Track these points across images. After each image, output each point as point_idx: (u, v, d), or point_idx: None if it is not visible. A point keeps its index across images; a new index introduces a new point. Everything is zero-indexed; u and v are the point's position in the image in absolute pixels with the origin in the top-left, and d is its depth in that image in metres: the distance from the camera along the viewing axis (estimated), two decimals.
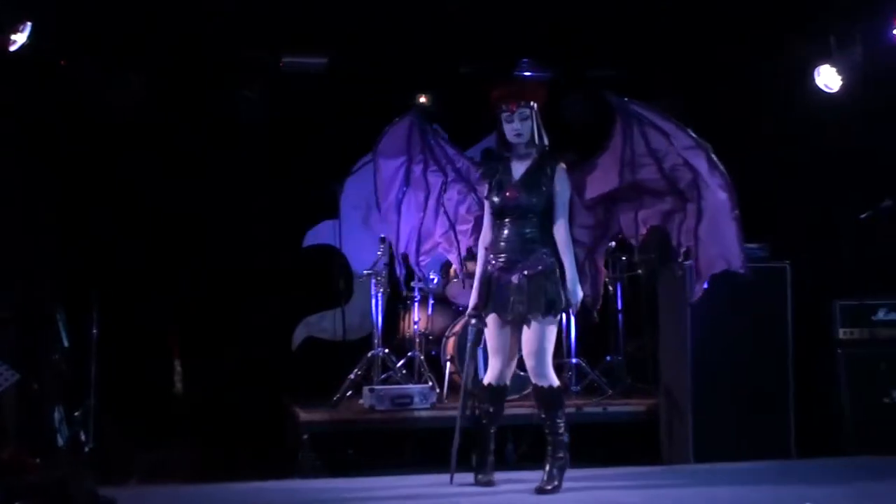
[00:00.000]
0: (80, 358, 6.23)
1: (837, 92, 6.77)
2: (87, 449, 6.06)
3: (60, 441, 5.95)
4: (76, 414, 6.10)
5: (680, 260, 5.16)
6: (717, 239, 4.93)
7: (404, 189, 5.37)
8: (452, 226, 5.35)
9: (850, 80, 6.69)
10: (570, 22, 7.06)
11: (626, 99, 5.03)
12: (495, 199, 4.97)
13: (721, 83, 7.52)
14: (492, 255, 4.98)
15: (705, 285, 5.14)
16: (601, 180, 5.10)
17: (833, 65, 6.75)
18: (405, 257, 5.56)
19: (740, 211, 4.88)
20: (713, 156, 4.90)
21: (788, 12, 6.63)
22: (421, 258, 5.50)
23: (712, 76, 7.59)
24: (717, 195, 4.88)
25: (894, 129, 6.58)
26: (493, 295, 4.95)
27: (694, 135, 4.92)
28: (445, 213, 5.34)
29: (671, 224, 5.10)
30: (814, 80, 6.83)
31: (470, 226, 5.33)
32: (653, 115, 4.98)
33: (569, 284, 4.91)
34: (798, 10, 6.62)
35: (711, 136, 7.30)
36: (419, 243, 5.44)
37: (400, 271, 5.70)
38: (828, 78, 6.78)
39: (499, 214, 4.99)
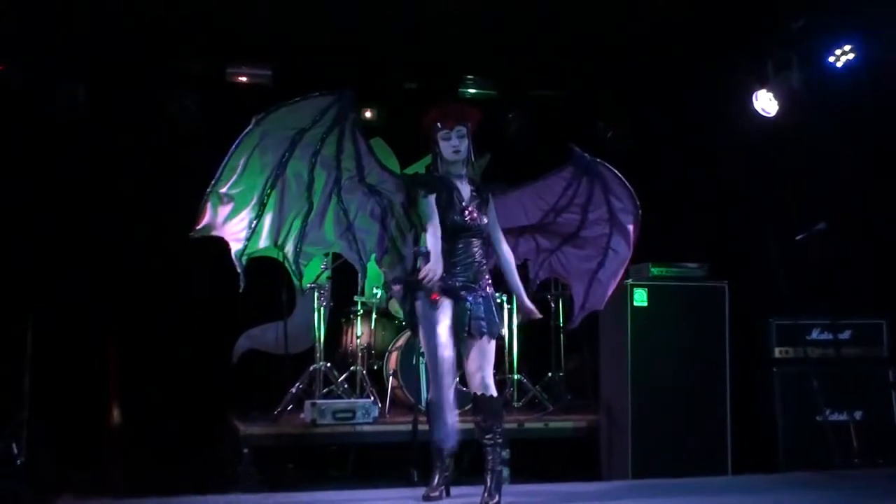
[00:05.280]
0: (13, 370, 6.10)
1: (774, 116, 6.93)
2: (18, 462, 5.94)
3: None
4: (7, 427, 5.98)
5: (533, 291, 5.44)
6: (607, 283, 5.34)
7: (278, 173, 4.72)
8: (349, 226, 4.99)
9: (787, 104, 6.84)
10: (514, 43, 7.12)
11: (598, 160, 5.14)
12: (454, 216, 4.88)
13: (661, 106, 7.64)
14: (446, 274, 4.85)
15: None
16: (519, 214, 5.23)
17: (770, 90, 6.91)
18: (264, 252, 4.91)
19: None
20: (638, 218, 5.25)
21: (727, 37, 6.75)
22: (301, 256, 4.98)
23: (652, 99, 7.71)
24: (627, 250, 5.27)
25: (829, 152, 6.73)
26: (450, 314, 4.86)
27: (636, 200, 5.18)
28: (345, 213, 4.97)
29: (535, 259, 5.43)
30: (751, 104, 6.97)
31: (374, 229, 5.04)
32: (614, 180, 5.17)
33: (521, 294, 5.11)
34: (736, 36, 6.74)
35: (653, 158, 7.46)
36: (302, 238, 4.93)
37: (240, 265, 4.74)
38: (765, 102, 6.94)
39: (453, 232, 4.88)
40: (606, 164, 5.19)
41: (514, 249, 5.25)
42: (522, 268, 5.37)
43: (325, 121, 4.73)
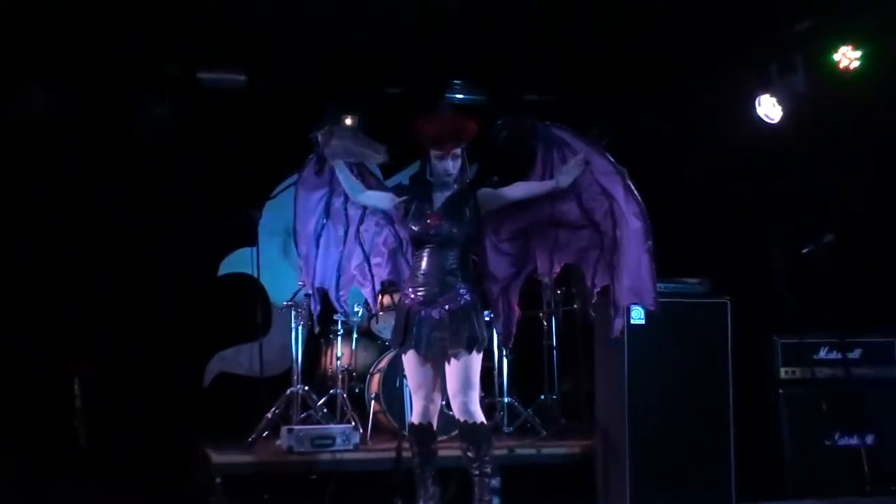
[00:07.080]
0: None
1: (778, 122, 6.78)
2: None
3: None
4: None
5: (594, 301, 5.06)
6: (630, 271, 4.79)
7: (324, 221, 5.34)
8: (367, 258, 5.32)
9: (792, 110, 6.70)
10: (503, 46, 6.94)
11: (547, 123, 5.00)
12: (414, 226, 4.89)
13: (660, 112, 7.50)
14: (410, 288, 4.88)
15: (622, 319, 5.06)
16: (520, 213, 5.02)
17: (774, 94, 6.76)
18: (321, 292, 5.47)
19: (654, 243, 4.72)
20: (629, 181, 4.77)
21: (729, 41, 6.61)
22: (341, 293, 5.44)
23: (651, 105, 7.57)
24: (632, 224, 4.74)
25: (836, 160, 6.60)
26: (412, 329, 4.83)
27: (612, 158, 4.81)
28: (361, 244, 5.33)
29: (586, 262, 5.02)
30: (755, 110, 6.83)
31: (384, 258, 5.30)
32: (573, 139, 4.90)
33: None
34: (739, 39, 6.59)
35: (650, 167, 7.31)
36: (339, 278, 5.39)
37: (315, 308, 5.49)
38: (769, 108, 6.80)
39: (418, 243, 4.92)
40: (559, 124, 4.94)
41: (529, 260, 5.07)
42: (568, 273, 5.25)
43: (328, 173, 5.26)
